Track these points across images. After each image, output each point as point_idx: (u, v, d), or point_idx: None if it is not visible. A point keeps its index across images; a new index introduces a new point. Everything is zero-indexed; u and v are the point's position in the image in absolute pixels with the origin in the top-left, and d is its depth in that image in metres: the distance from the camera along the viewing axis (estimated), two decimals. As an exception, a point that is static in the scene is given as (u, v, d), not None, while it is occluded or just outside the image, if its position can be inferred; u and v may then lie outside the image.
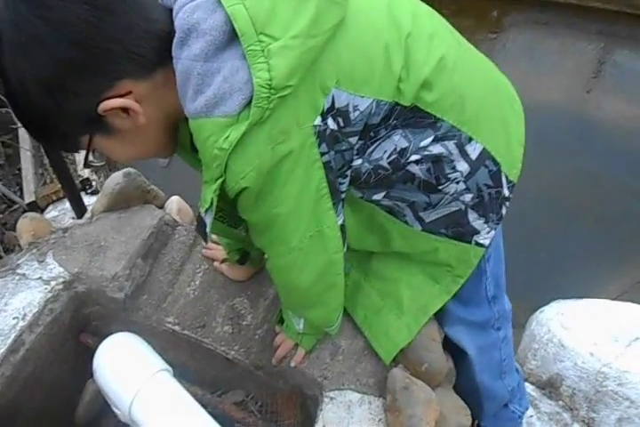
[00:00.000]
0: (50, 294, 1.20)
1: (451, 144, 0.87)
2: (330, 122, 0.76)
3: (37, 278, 1.23)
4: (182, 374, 1.16)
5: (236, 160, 0.71)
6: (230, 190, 0.76)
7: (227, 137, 0.69)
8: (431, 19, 0.90)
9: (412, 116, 0.84)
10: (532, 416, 1.64)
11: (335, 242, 0.88)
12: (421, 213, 0.96)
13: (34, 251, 1.30)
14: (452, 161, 0.88)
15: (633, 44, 3.95)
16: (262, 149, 0.72)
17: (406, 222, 0.97)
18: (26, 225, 1.37)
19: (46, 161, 2.38)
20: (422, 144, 0.86)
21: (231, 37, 0.69)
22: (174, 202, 1.54)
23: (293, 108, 0.72)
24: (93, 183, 2.39)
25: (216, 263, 1.34)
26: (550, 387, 1.72)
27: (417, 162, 0.87)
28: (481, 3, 4.15)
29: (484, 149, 0.90)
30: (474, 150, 0.89)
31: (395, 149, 0.86)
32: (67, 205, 2.11)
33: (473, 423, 1.34)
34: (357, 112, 0.78)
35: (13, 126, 2.70)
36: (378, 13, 0.81)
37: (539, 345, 1.74)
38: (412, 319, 1.09)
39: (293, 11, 0.70)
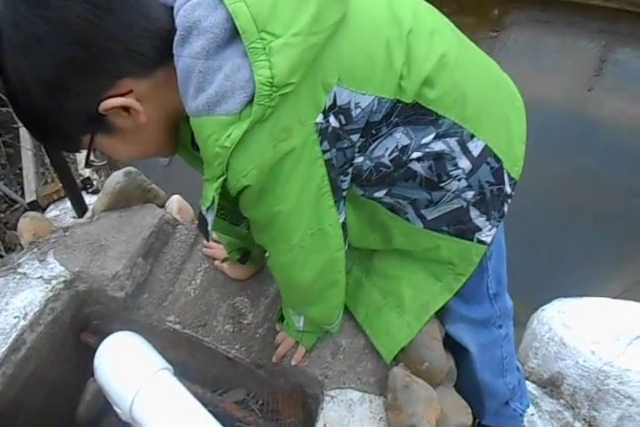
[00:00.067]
0: (51, 293, 1.20)
1: (452, 141, 0.87)
2: (332, 119, 0.76)
3: (38, 278, 1.23)
4: (183, 372, 1.16)
5: (237, 158, 0.71)
6: (232, 188, 0.76)
7: (228, 135, 0.69)
8: (432, 16, 0.90)
9: (414, 114, 0.84)
10: (533, 415, 1.64)
11: (336, 240, 0.88)
12: (423, 211, 0.96)
13: (35, 250, 1.30)
14: (454, 158, 0.88)
15: (634, 42, 3.94)
16: (264, 146, 0.72)
17: (408, 220, 0.97)
18: (27, 224, 1.37)
19: (47, 160, 2.38)
20: (424, 141, 0.86)
21: (232, 35, 0.69)
22: (175, 201, 1.54)
23: (295, 106, 0.72)
24: (94, 182, 2.40)
25: (217, 262, 1.34)
26: (551, 385, 1.72)
27: (418, 159, 0.87)
28: (482, 1, 4.15)
29: (485, 146, 0.90)
30: (476, 147, 0.89)
31: (396, 147, 0.86)
32: (68, 204, 2.12)
33: (474, 422, 1.34)
34: (359, 109, 0.78)
35: (14, 126, 2.71)
36: (379, 10, 0.81)
37: (540, 344, 1.74)
38: (413, 318, 1.09)
39: (295, 8, 0.70)
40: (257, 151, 0.72)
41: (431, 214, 0.96)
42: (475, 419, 1.34)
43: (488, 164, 0.91)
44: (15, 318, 1.15)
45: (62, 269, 1.25)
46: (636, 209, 2.77)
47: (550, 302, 1.84)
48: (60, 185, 2.14)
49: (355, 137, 0.81)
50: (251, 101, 0.68)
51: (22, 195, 2.47)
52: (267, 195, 0.77)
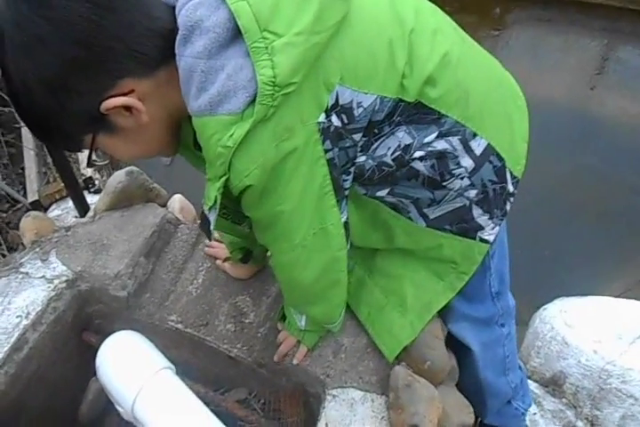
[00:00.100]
0: (53, 293, 1.20)
1: (455, 140, 0.87)
2: (334, 119, 0.76)
3: (40, 277, 1.23)
4: (185, 372, 1.16)
5: (240, 158, 0.71)
6: (234, 188, 0.75)
7: (231, 135, 0.69)
8: (434, 15, 0.90)
9: (416, 113, 0.84)
10: (535, 414, 1.64)
11: (339, 239, 0.88)
12: (425, 210, 0.96)
13: (37, 250, 1.30)
14: (457, 157, 0.88)
15: (636, 41, 3.93)
16: (266, 146, 0.72)
17: (410, 219, 0.97)
18: (29, 224, 1.37)
19: (49, 160, 2.39)
20: (426, 140, 0.86)
21: (234, 34, 0.69)
22: (177, 200, 1.54)
23: (297, 106, 0.72)
24: (96, 182, 2.40)
25: (218, 262, 1.34)
26: (554, 385, 1.72)
27: (421, 159, 0.87)
28: (483, 0, 4.14)
29: (488, 144, 0.90)
30: (478, 146, 0.89)
31: (399, 146, 0.85)
32: (70, 203, 2.12)
33: (476, 421, 1.34)
34: (361, 109, 0.78)
35: (17, 126, 2.71)
36: (381, 9, 0.81)
37: (542, 343, 1.73)
38: (415, 317, 1.09)
39: (297, 7, 0.69)
40: (259, 151, 0.72)
41: (434, 213, 0.96)
42: (477, 418, 1.34)
43: (491, 162, 0.91)
44: (17, 317, 1.16)
45: (64, 268, 1.25)
46: (638, 208, 2.77)
47: (552, 301, 1.84)
48: (62, 185, 2.14)
49: (357, 136, 0.81)
50: (253, 101, 0.68)
51: (24, 194, 2.47)
52: (269, 194, 0.77)
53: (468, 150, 0.89)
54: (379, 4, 0.82)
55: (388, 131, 0.84)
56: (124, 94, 0.73)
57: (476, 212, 0.96)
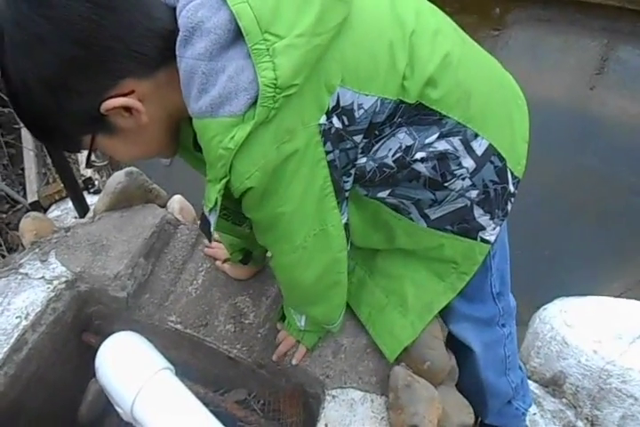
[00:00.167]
0: (52, 294, 1.20)
1: (456, 140, 0.87)
2: (335, 120, 0.76)
3: (40, 278, 1.23)
4: (184, 372, 1.16)
5: (241, 160, 0.71)
6: (235, 190, 0.75)
7: (232, 137, 0.69)
8: (434, 16, 0.90)
9: (417, 114, 0.83)
10: (535, 414, 1.64)
11: (339, 240, 0.88)
12: (427, 210, 0.96)
13: (36, 250, 1.30)
14: (458, 157, 0.88)
15: (636, 41, 3.93)
16: (268, 148, 0.71)
17: (411, 219, 0.97)
18: (28, 225, 1.37)
19: (49, 161, 2.39)
20: (427, 141, 0.86)
21: (235, 36, 0.68)
22: (176, 201, 1.54)
23: (299, 107, 0.71)
24: (96, 182, 2.40)
25: (218, 262, 1.34)
26: (554, 385, 1.72)
27: (422, 160, 0.87)
28: (483, 0, 4.14)
29: (489, 145, 0.90)
30: (479, 146, 0.89)
31: (400, 147, 0.85)
32: (69, 204, 2.12)
33: (476, 421, 1.34)
34: (362, 110, 0.78)
35: (16, 126, 2.71)
36: (382, 11, 0.81)
37: (542, 343, 1.73)
38: (416, 317, 1.09)
39: (298, 9, 0.69)
40: (260, 153, 0.71)
41: (435, 214, 0.96)
42: (477, 418, 1.34)
43: (492, 163, 0.91)
44: (17, 318, 1.15)
45: (64, 269, 1.25)
46: (638, 208, 2.77)
47: (552, 301, 1.84)
48: (62, 185, 2.14)
49: (358, 138, 0.81)
50: (254, 103, 0.68)
51: (24, 195, 2.47)
52: (270, 196, 0.77)
53: (470, 151, 0.89)
54: (379, 5, 0.82)
55: (388, 132, 0.84)
56: (124, 95, 0.72)
57: (478, 212, 0.96)
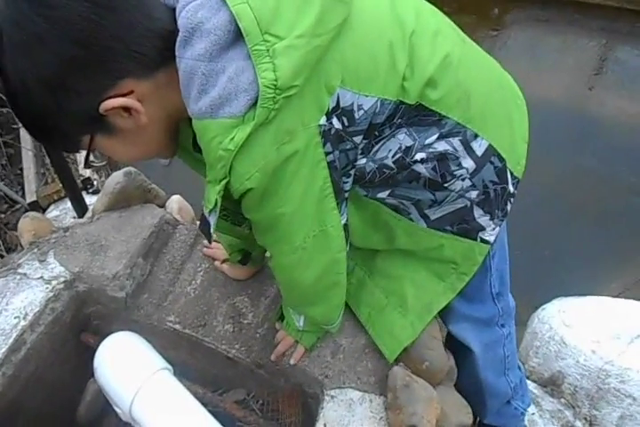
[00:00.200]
0: (51, 294, 1.20)
1: (455, 141, 0.87)
2: (335, 121, 0.76)
3: (38, 278, 1.23)
4: (183, 372, 1.16)
5: (241, 161, 0.71)
6: (235, 191, 0.75)
7: (232, 138, 0.69)
8: (434, 16, 0.90)
9: (417, 115, 0.83)
10: (533, 414, 1.64)
11: (338, 241, 0.88)
12: (426, 211, 0.96)
13: (35, 250, 1.30)
14: (458, 158, 0.88)
15: (635, 41, 3.94)
16: (268, 149, 0.71)
17: (411, 220, 0.97)
18: (27, 225, 1.36)
19: (48, 161, 2.38)
20: (427, 142, 0.86)
21: (235, 37, 0.68)
22: (175, 201, 1.54)
23: (299, 109, 0.71)
24: (95, 183, 2.40)
25: (217, 262, 1.34)
26: (552, 385, 1.72)
27: (422, 161, 0.87)
28: (482, 0, 4.14)
29: (489, 145, 0.90)
30: (479, 147, 0.89)
31: (399, 148, 0.85)
32: (68, 204, 2.12)
33: (474, 421, 1.35)
34: (362, 111, 0.78)
35: (15, 126, 2.71)
36: (382, 11, 0.81)
37: (540, 343, 1.74)
38: (416, 317, 1.09)
39: (298, 10, 0.69)
40: (261, 154, 0.71)
41: (435, 214, 0.96)
42: (475, 418, 1.35)
43: (492, 163, 0.91)
44: (15, 318, 1.15)
45: (62, 269, 1.25)
46: (637, 208, 2.77)
47: (551, 301, 1.84)
48: (61, 185, 2.14)
49: (357, 139, 0.81)
50: (254, 104, 0.68)
51: (23, 195, 2.47)
52: (270, 197, 0.77)
53: (470, 151, 0.89)
54: (379, 6, 0.82)
55: (388, 133, 0.84)
56: (124, 95, 0.72)
57: (477, 212, 0.96)
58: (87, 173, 2.42)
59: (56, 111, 0.72)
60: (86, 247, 1.30)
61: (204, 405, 1.08)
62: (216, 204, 0.75)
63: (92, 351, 1.14)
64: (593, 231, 2.68)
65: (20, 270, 1.25)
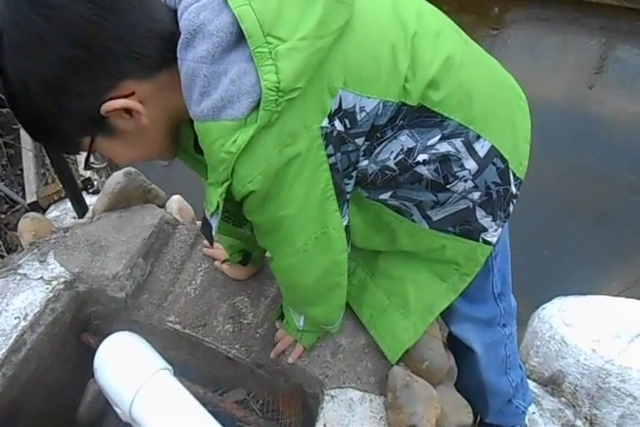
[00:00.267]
0: (51, 294, 1.20)
1: (458, 142, 0.86)
2: (337, 123, 0.76)
3: (38, 278, 1.23)
4: (183, 372, 1.16)
5: (243, 164, 0.71)
6: (237, 194, 0.75)
7: (234, 141, 0.68)
8: (436, 17, 0.89)
9: (419, 116, 0.83)
10: (534, 413, 1.64)
11: (340, 243, 0.88)
12: (429, 212, 0.95)
13: (35, 251, 1.30)
14: (460, 159, 0.88)
15: (635, 40, 3.94)
16: (270, 152, 0.71)
17: (413, 221, 0.97)
18: (27, 225, 1.36)
19: (48, 161, 2.38)
20: (429, 143, 0.85)
21: (238, 39, 0.68)
22: (175, 201, 1.54)
23: (301, 111, 0.71)
24: (95, 183, 2.40)
25: (217, 262, 1.34)
26: (552, 384, 1.72)
27: (424, 162, 0.86)
28: (482, -1, 4.15)
29: (492, 146, 0.89)
30: (482, 148, 0.89)
31: (401, 150, 0.85)
32: (68, 204, 2.12)
33: (475, 420, 1.35)
34: (364, 113, 0.78)
35: (15, 127, 2.71)
36: (384, 13, 0.81)
37: (541, 342, 1.74)
38: (418, 318, 1.09)
39: (300, 12, 0.69)
40: (263, 157, 0.71)
41: (437, 215, 0.96)
42: (476, 417, 1.35)
43: (494, 164, 0.91)
44: (15, 318, 1.15)
45: (62, 269, 1.25)
46: (637, 207, 2.77)
47: (551, 301, 1.84)
48: (61, 186, 2.14)
49: (359, 140, 0.81)
50: (257, 106, 0.68)
51: (23, 196, 2.46)
52: (272, 199, 0.77)
53: (472, 152, 0.88)
54: (381, 7, 0.81)
55: (390, 135, 0.84)
56: (125, 96, 0.72)
57: (480, 213, 0.96)
58: (87, 173, 2.42)
59: (56, 112, 0.72)
60: (86, 248, 1.29)
61: (204, 405, 1.08)
62: (218, 206, 0.75)
63: (92, 352, 1.14)
64: (593, 230, 2.68)
65: (20, 271, 1.25)
